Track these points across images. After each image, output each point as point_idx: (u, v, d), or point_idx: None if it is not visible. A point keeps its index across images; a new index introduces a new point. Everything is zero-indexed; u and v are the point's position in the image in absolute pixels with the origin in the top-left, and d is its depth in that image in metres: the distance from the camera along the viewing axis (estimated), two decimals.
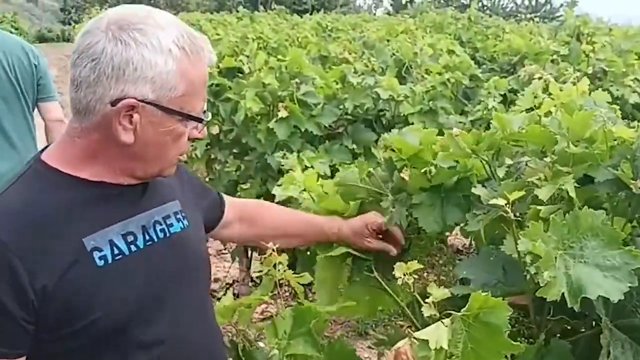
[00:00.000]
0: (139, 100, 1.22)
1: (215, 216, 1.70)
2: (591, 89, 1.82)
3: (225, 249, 5.17)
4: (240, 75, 4.24)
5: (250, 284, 4.62)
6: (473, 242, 3.88)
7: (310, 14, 17.76)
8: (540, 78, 1.76)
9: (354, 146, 3.65)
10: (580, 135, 1.42)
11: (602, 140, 1.39)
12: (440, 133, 1.69)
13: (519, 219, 1.37)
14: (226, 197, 1.76)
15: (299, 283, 1.65)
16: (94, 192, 1.28)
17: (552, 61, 4.75)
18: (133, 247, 1.30)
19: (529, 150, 1.62)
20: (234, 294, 5.02)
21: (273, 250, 1.58)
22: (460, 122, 4.13)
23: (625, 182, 1.32)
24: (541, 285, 1.19)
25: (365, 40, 6.40)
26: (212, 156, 4.05)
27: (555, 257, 1.24)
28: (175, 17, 1.30)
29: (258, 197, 3.70)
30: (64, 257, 1.21)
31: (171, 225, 1.40)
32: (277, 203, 1.98)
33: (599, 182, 1.38)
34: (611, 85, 4.13)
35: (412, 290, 1.35)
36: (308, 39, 7.58)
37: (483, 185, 1.53)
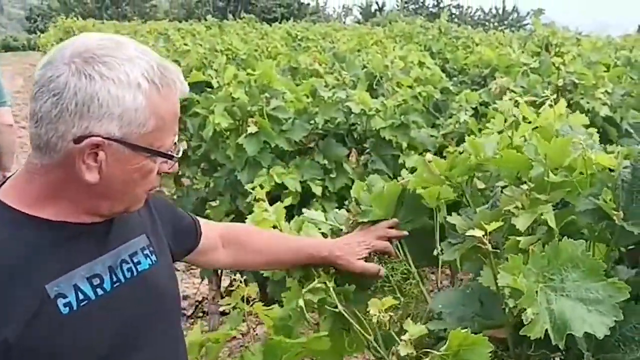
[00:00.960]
0: (104, 138, 1.14)
1: (191, 242, 1.61)
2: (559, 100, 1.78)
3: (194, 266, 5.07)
4: (208, 89, 4.16)
5: (220, 300, 4.53)
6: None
7: (280, 23, 17.73)
8: (511, 99, 1.72)
9: (325, 161, 3.60)
10: (559, 163, 1.38)
11: (582, 168, 1.34)
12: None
13: (497, 250, 1.32)
14: (206, 222, 1.68)
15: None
16: (57, 233, 1.20)
17: (523, 73, 4.74)
18: (99, 291, 1.22)
19: (503, 175, 1.57)
20: (203, 312, 4.92)
21: (240, 282, 1.51)
22: (432, 136, 4.11)
23: (607, 212, 1.27)
24: (524, 322, 1.14)
25: (336, 52, 6.35)
26: (180, 172, 3.97)
27: (536, 291, 1.19)
28: (146, 47, 1.22)
29: (228, 214, 3.63)
30: (26, 307, 1.13)
31: (139, 262, 1.32)
32: None
33: (579, 211, 1.34)
34: (582, 98, 4.12)
35: (387, 328, 1.29)
36: (278, 49, 7.53)
37: (458, 213, 1.48)
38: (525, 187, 1.39)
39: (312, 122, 3.66)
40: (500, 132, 1.72)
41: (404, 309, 1.63)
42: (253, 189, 1.81)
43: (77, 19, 18.68)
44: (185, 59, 5.46)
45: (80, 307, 1.18)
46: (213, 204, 3.65)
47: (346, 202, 1.86)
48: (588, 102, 4.07)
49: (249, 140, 3.46)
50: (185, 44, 7.13)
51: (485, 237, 1.28)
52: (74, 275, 1.19)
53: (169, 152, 1.24)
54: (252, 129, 3.46)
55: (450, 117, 4.21)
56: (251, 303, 1.61)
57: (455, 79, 5.66)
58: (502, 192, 1.43)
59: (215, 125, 3.54)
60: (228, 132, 3.63)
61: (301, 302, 1.57)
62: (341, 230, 1.74)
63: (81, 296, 1.19)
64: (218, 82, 4.10)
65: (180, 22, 20.13)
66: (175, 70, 1.23)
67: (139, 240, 1.35)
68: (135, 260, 1.31)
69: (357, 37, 9.57)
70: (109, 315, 1.23)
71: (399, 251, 1.69)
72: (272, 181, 3.38)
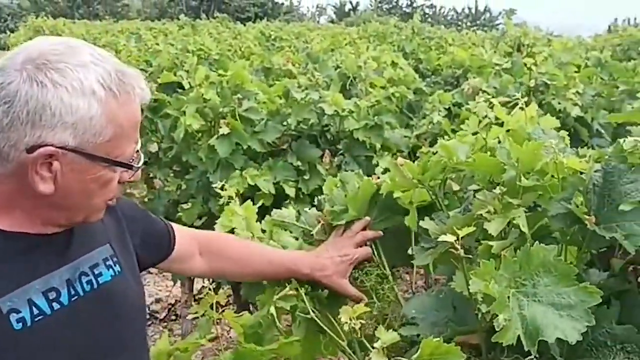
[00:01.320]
0: (58, 148, 1.09)
1: (164, 248, 1.55)
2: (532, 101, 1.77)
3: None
4: (180, 90, 4.11)
5: (193, 303, 4.48)
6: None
7: (253, 22, 17.66)
8: (485, 100, 1.71)
9: (299, 163, 3.59)
10: (531, 167, 1.37)
11: (554, 172, 1.33)
12: None
13: (469, 256, 1.30)
14: (182, 229, 1.62)
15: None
16: (12, 245, 1.15)
17: (495, 74, 4.76)
18: (56, 305, 1.17)
19: (477, 178, 1.56)
20: (176, 315, 4.88)
21: (210, 289, 1.48)
22: (405, 137, 4.11)
23: (579, 216, 1.27)
24: (496, 329, 1.13)
25: (309, 52, 6.33)
26: (151, 175, 3.91)
27: (508, 297, 1.18)
28: (104, 52, 1.17)
29: (200, 217, 3.59)
30: None
31: (100, 274, 1.27)
32: None
33: (551, 215, 1.33)
34: (553, 99, 4.15)
35: (359, 335, 1.27)
36: (251, 49, 7.49)
37: (430, 217, 1.47)
38: (497, 191, 1.38)
39: (284, 123, 3.64)
40: (474, 134, 1.71)
41: (379, 313, 1.61)
42: (222, 188, 1.76)
43: (48, 18, 18.41)
44: (156, 59, 5.41)
45: (35, 323, 1.13)
46: (185, 206, 3.61)
47: (316, 201, 1.81)
48: (559, 103, 4.11)
49: (221, 142, 3.43)
50: (157, 44, 7.07)
51: (457, 242, 1.27)
52: (28, 289, 1.14)
53: (129, 162, 1.19)
54: (224, 130, 3.43)
55: (424, 118, 4.23)
56: (221, 310, 1.57)
57: (428, 79, 5.68)
58: (474, 196, 1.42)
59: (186, 126, 3.50)
60: (200, 134, 3.62)
61: (272, 310, 1.55)
62: (312, 234, 1.70)
63: (36, 311, 1.14)
64: (189, 82, 4.06)
65: (152, 21, 19.97)
66: (135, 75, 1.18)
67: (101, 250, 1.30)
68: (97, 272, 1.26)
69: (331, 37, 9.57)
70: (67, 330, 1.18)
71: (374, 253, 1.67)
72: (245, 183, 3.36)
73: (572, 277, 1.19)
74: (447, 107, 4.22)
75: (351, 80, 4.49)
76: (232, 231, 1.74)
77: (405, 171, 1.54)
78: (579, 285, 1.18)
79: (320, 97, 3.70)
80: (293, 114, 3.64)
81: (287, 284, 1.61)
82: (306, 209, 1.74)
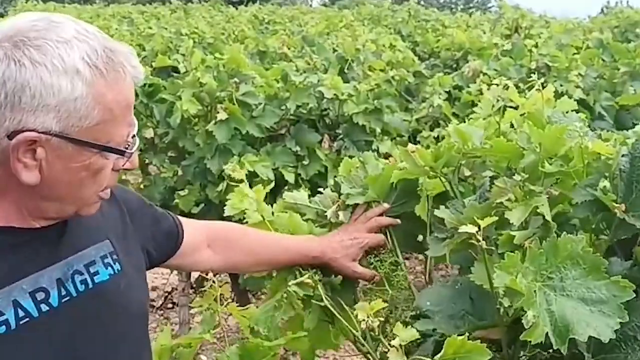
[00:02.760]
0: (40, 133, 1.00)
1: (172, 244, 1.44)
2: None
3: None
4: (175, 74, 4.02)
5: (190, 290, 4.41)
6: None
7: (246, 6, 17.47)
8: (498, 85, 1.63)
9: (297, 148, 3.53)
10: (554, 152, 1.29)
11: (579, 157, 1.26)
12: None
13: (491, 247, 1.23)
14: (188, 221, 1.51)
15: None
16: (1, 240, 1.06)
17: (495, 56, 4.68)
18: (44, 307, 1.07)
19: (492, 165, 1.49)
20: (173, 303, 4.81)
21: (213, 282, 1.41)
22: (405, 120, 4.04)
23: (606, 204, 1.19)
24: (525, 326, 1.06)
25: (305, 35, 6.23)
26: (147, 161, 3.82)
27: (535, 292, 1.11)
28: (91, 26, 1.07)
29: (197, 204, 3.51)
30: None
31: (96, 273, 1.16)
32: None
33: (575, 203, 1.26)
34: (555, 81, 4.08)
35: (377, 333, 1.20)
36: (245, 33, 7.37)
37: (445, 205, 1.39)
38: (518, 177, 1.30)
39: (283, 107, 3.58)
40: (487, 117, 1.64)
41: (390, 301, 1.54)
42: (221, 173, 1.66)
43: (38, 2, 18.15)
44: (150, 43, 5.30)
45: (20, 326, 1.04)
46: (182, 193, 3.53)
47: (322, 189, 1.73)
48: (562, 85, 4.03)
49: (218, 127, 3.36)
50: (150, 28, 6.95)
51: (479, 233, 1.19)
52: (14, 289, 1.04)
53: (123, 147, 1.09)
54: (221, 115, 3.35)
55: (424, 102, 4.16)
56: (225, 303, 1.50)
57: (426, 62, 5.59)
58: (492, 183, 1.34)
59: (183, 111, 3.42)
60: (196, 119, 3.52)
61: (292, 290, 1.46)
62: (326, 215, 1.61)
63: (21, 313, 1.04)
64: (185, 67, 3.98)
65: (144, 5, 19.73)
66: (125, 52, 1.07)
67: (99, 247, 1.20)
68: (92, 271, 1.16)
69: (326, 20, 9.44)
70: (57, 335, 1.09)
71: (387, 240, 1.60)
72: (243, 169, 3.27)
73: (601, 269, 1.13)
74: (447, 90, 4.16)
75: (349, 64, 4.40)
76: (242, 218, 1.65)
77: (417, 158, 1.47)
78: (609, 278, 1.11)
79: (318, 81, 3.62)
80: (291, 97, 3.57)
81: (297, 271, 1.54)
82: (321, 190, 1.65)
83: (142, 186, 3.69)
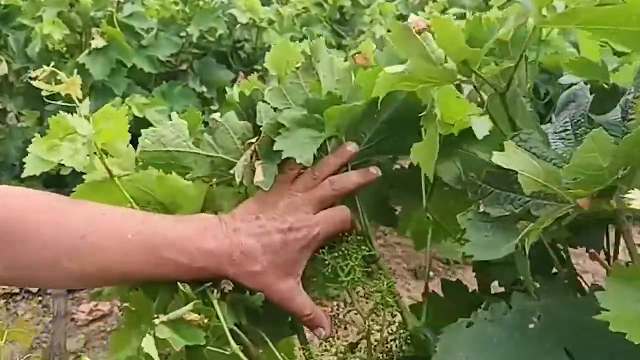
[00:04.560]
0: None
1: None
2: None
3: None
4: None
5: None
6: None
7: None
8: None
9: (203, 88, 2.95)
10: None
11: None
12: None
13: None
14: None
15: None
16: None
17: None
18: None
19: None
20: None
21: None
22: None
23: None
24: None
25: None
26: (0, 106, 3.04)
27: None
28: None
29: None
30: None
31: None
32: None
33: None
34: None
35: None
36: None
37: (519, 139, 0.62)
38: None
39: (183, 34, 2.95)
40: None
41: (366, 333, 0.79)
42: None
43: None
44: None
45: None
46: None
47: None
48: None
49: (93, 59, 2.67)
50: None
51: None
52: None
53: None
54: (97, 42, 2.67)
55: (362, 34, 3.50)
56: None
57: None
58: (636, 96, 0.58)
59: (44, 37, 2.66)
60: (64, 49, 2.79)
61: (148, 346, 0.67)
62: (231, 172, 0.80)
63: None
64: None
65: None
66: None
67: None
68: None
69: None
70: None
71: (356, 220, 0.82)
72: (129, 114, 2.54)
73: None
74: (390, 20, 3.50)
75: None
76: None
77: (431, 43, 0.69)
78: None
79: (229, 1, 3.05)
80: (194, 22, 2.95)
81: (173, 292, 0.74)
82: (215, 116, 0.82)
83: None
